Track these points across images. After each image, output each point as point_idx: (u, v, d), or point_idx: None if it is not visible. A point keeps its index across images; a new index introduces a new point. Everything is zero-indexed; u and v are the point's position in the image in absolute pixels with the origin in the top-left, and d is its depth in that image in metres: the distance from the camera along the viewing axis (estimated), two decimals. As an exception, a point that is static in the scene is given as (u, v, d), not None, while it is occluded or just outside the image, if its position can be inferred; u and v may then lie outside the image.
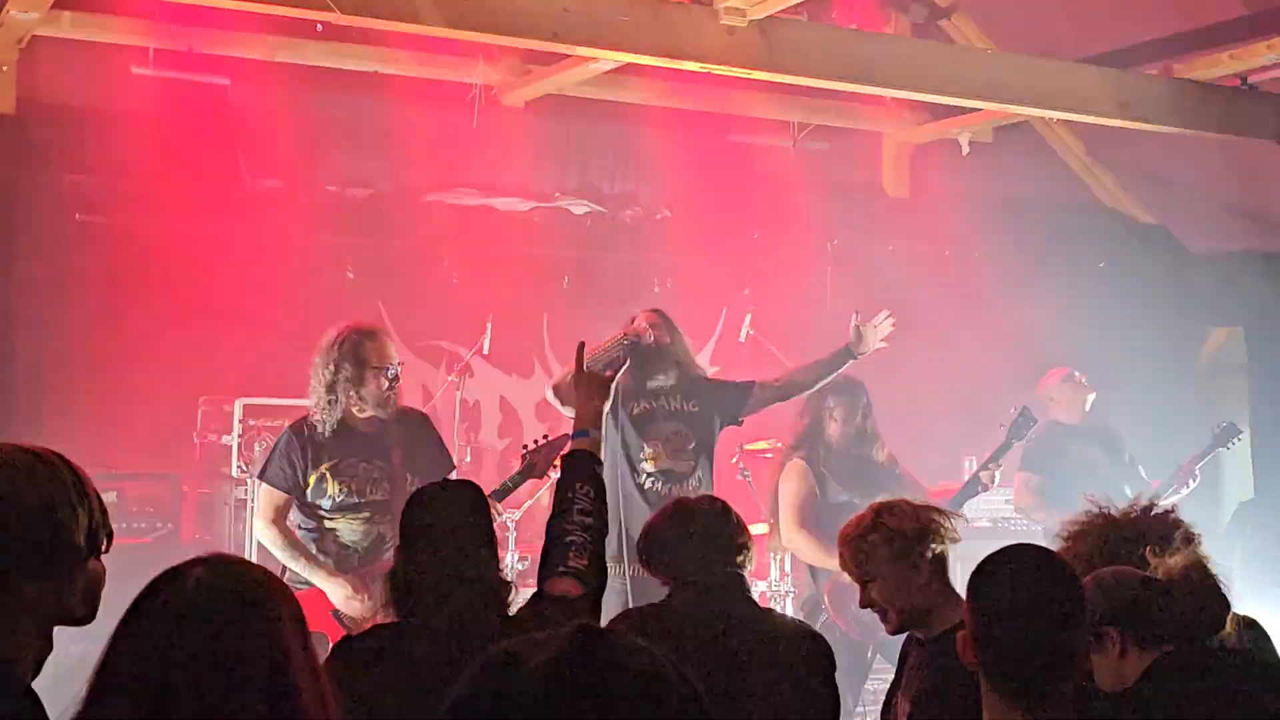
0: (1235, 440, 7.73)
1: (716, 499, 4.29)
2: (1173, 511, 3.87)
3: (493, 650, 1.32)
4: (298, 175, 8.33)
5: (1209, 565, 3.48)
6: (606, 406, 4.00)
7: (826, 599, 6.82)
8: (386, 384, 5.78)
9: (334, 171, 8.44)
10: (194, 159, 8.07)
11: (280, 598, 2.16)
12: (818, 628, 6.65)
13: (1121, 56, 8.58)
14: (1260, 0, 8.21)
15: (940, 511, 4.13)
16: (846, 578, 6.50)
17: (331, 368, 5.78)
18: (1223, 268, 10.10)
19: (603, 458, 6.28)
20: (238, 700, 2.01)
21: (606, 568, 3.67)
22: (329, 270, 8.20)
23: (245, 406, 7.47)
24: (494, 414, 8.77)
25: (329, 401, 5.75)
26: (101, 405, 7.59)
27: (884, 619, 4.04)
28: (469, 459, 7.96)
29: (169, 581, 2.13)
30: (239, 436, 7.39)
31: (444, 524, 3.55)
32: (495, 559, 3.63)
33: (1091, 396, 7.96)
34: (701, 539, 4.03)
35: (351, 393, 5.76)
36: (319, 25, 7.05)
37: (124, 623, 2.12)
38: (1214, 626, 3.35)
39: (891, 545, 3.97)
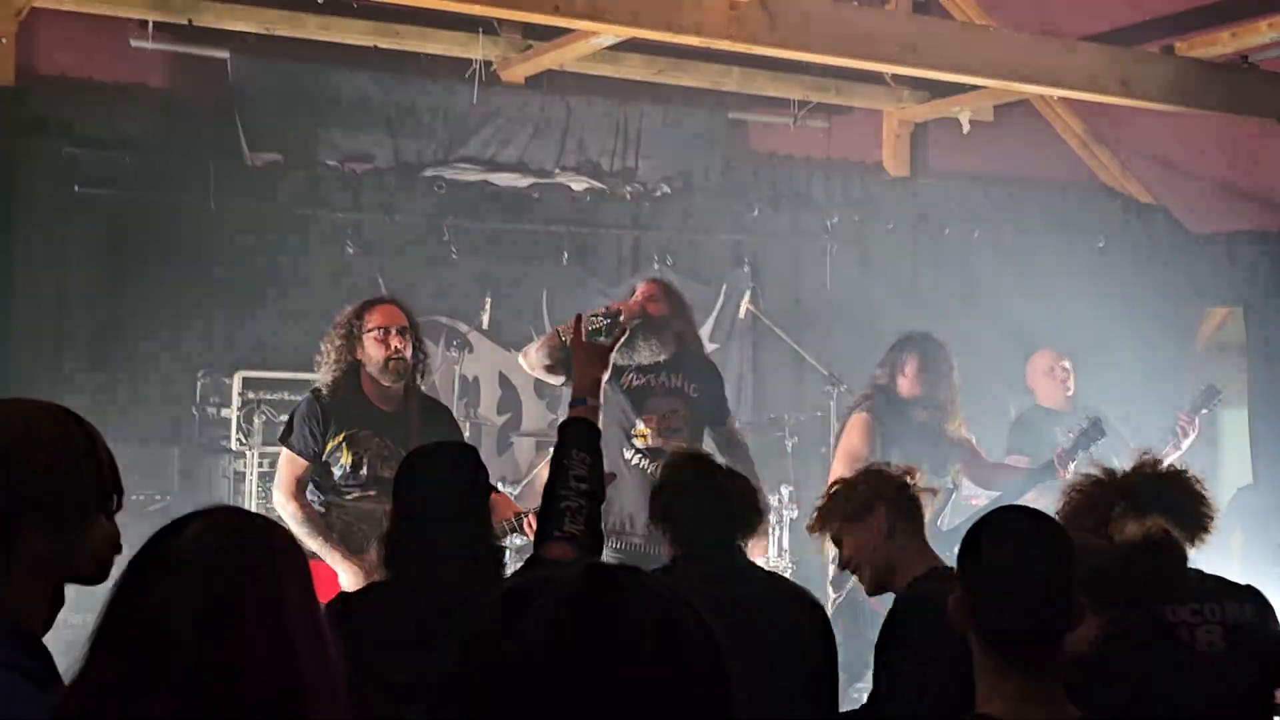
0: (1217, 400, 7.68)
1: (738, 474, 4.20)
2: (1173, 465, 3.88)
3: (502, 588, 1.31)
4: (297, 149, 8.31)
5: (1169, 532, 3.47)
6: (605, 376, 3.93)
7: None
8: (385, 348, 5.75)
9: (333, 145, 8.41)
10: (193, 132, 8.07)
11: (281, 549, 2.15)
12: (845, 594, 6.70)
13: (1122, 35, 8.58)
14: (1261, -21, 8.22)
15: (897, 471, 4.21)
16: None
17: (329, 342, 5.81)
18: (1222, 248, 10.12)
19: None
20: (235, 654, 2.01)
21: (602, 533, 3.62)
22: (328, 244, 8.19)
23: (244, 379, 7.45)
24: (493, 389, 8.75)
25: (333, 364, 5.74)
26: (99, 377, 7.58)
27: (861, 580, 4.10)
28: (468, 434, 7.95)
29: (168, 535, 2.12)
30: (238, 409, 7.39)
31: (437, 487, 3.55)
32: (489, 523, 3.63)
33: (1072, 387, 7.90)
34: (714, 510, 3.95)
35: (359, 362, 5.76)
36: (318, -2, 7.06)
37: (123, 578, 2.12)
38: (1167, 593, 3.34)
39: (847, 503, 4.05)
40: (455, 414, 7.73)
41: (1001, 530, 2.84)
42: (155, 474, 7.29)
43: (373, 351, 5.74)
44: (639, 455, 6.35)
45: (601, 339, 6.21)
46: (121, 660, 2.01)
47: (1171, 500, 3.80)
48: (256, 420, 7.25)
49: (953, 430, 7.02)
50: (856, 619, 6.61)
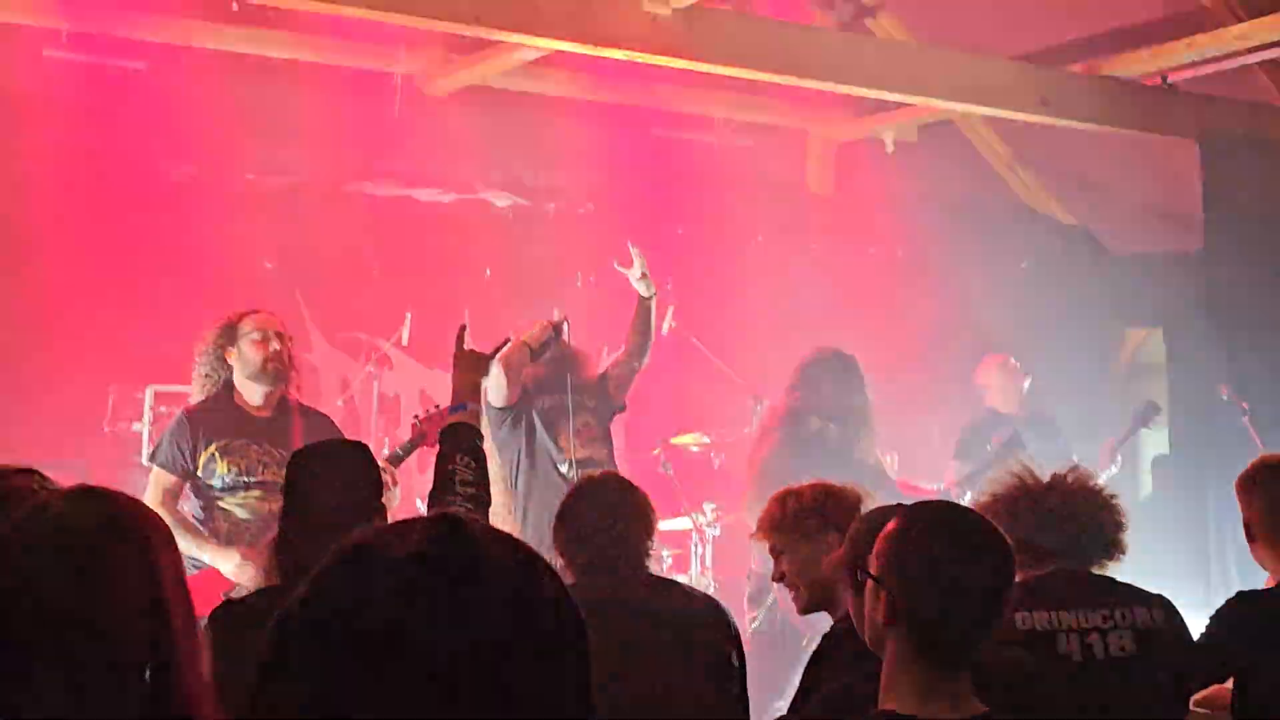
0: (1155, 419, 7.71)
1: (623, 479, 4.22)
2: (1089, 478, 3.86)
3: (348, 540, 1.23)
4: (215, 162, 8.19)
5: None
6: (486, 382, 4.02)
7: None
8: (263, 351, 5.68)
9: (252, 159, 8.31)
10: (109, 144, 7.94)
11: (150, 525, 2.07)
12: (763, 609, 6.67)
13: (1045, 56, 8.62)
14: (1177, 1, 8.28)
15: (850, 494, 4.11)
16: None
17: (209, 346, 5.79)
18: (1142, 268, 10.18)
19: (524, 447, 6.35)
20: (113, 625, 1.92)
21: None
22: (246, 259, 8.06)
23: (157, 394, 7.32)
24: (414, 407, 8.63)
25: (204, 377, 5.69)
26: (9, 393, 7.41)
27: (795, 597, 3.98)
28: (386, 451, 7.83)
29: (30, 515, 2.03)
30: (150, 424, 7.25)
31: (330, 483, 3.47)
32: (384, 520, 3.55)
33: (1027, 383, 7.92)
34: (607, 522, 3.96)
35: (230, 370, 5.68)
36: (234, 4, 6.94)
37: None
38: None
39: (797, 519, 3.95)
40: (373, 431, 7.65)
41: (943, 526, 2.71)
42: (64, 490, 7.11)
43: (250, 354, 5.70)
44: (572, 467, 6.46)
45: (549, 352, 6.37)
46: None
47: (1086, 518, 3.79)
48: (169, 435, 7.12)
49: (863, 452, 6.97)
50: (775, 638, 6.57)
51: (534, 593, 1.18)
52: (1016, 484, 3.87)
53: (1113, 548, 3.83)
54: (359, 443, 3.83)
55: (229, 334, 5.75)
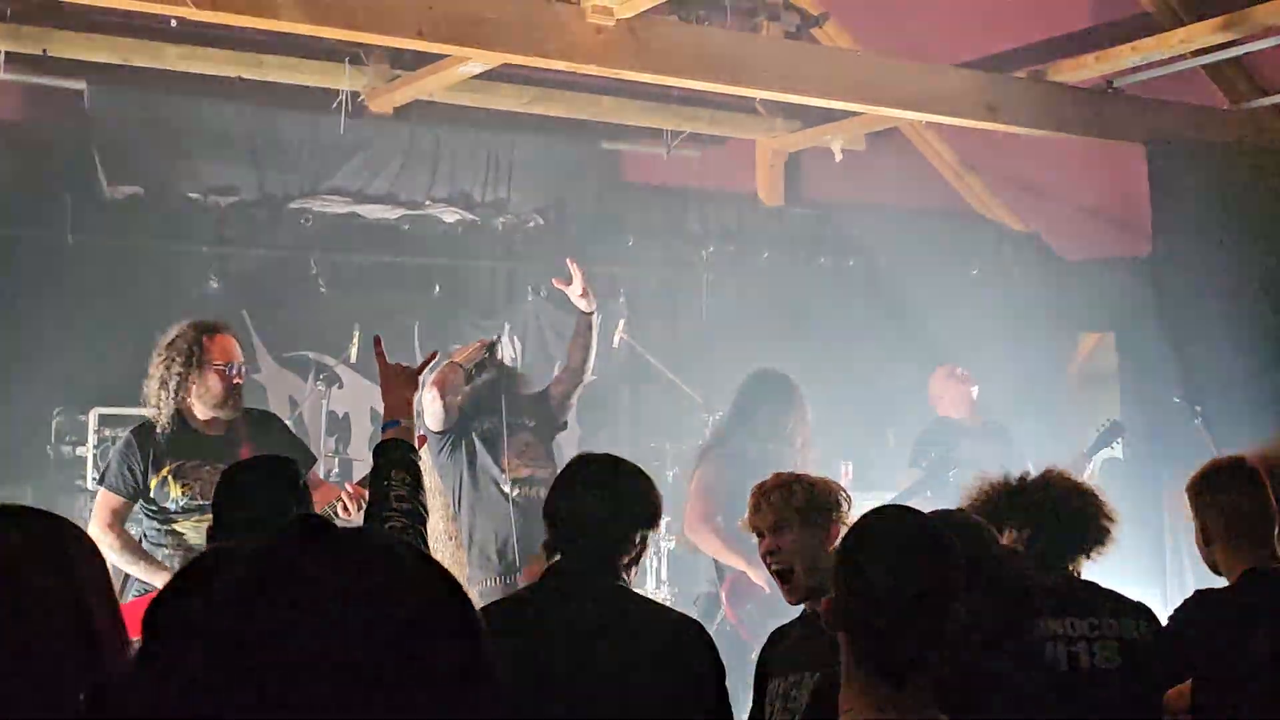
0: (1120, 439, 7.73)
1: (627, 464, 3.70)
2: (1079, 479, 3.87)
3: (210, 549, 1.18)
4: (159, 181, 8.10)
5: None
6: (415, 397, 3.96)
7: (724, 595, 6.70)
8: (226, 384, 5.58)
9: (196, 178, 8.21)
10: (49, 165, 7.84)
11: (73, 543, 2.00)
12: (714, 626, 6.62)
13: (990, 63, 8.63)
14: (1120, 7, 8.32)
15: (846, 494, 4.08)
16: (746, 575, 6.46)
17: (165, 365, 5.57)
18: (1094, 274, 10.20)
19: (465, 470, 6.29)
20: (39, 649, 1.86)
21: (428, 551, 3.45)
22: (191, 279, 7.98)
23: (101, 416, 7.22)
24: (364, 425, 8.56)
25: (161, 399, 5.54)
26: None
27: (786, 581, 3.84)
28: (337, 470, 7.77)
29: None
30: (94, 447, 7.14)
31: (260, 500, 3.42)
32: None
33: (975, 389, 7.95)
34: (588, 518, 3.50)
35: (189, 391, 5.56)
36: (173, 21, 6.86)
37: None
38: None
39: (811, 500, 3.89)
40: (322, 450, 7.56)
41: (880, 534, 2.69)
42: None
43: (213, 384, 5.56)
44: (517, 486, 6.38)
45: (485, 373, 6.31)
46: None
47: (1071, 515, 3.77)
48: (114, 458, 7.01)
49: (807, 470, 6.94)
50: (726, 653, 6.51)
51: (391, 624, 1.10)
52: (1000, 481, 3.85)
53: (1094, 545, 3.81)
54: (283, 457, 3.78)
55: (196, 357, 5.58)
